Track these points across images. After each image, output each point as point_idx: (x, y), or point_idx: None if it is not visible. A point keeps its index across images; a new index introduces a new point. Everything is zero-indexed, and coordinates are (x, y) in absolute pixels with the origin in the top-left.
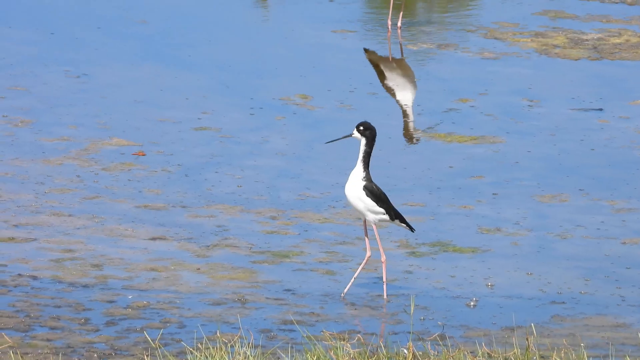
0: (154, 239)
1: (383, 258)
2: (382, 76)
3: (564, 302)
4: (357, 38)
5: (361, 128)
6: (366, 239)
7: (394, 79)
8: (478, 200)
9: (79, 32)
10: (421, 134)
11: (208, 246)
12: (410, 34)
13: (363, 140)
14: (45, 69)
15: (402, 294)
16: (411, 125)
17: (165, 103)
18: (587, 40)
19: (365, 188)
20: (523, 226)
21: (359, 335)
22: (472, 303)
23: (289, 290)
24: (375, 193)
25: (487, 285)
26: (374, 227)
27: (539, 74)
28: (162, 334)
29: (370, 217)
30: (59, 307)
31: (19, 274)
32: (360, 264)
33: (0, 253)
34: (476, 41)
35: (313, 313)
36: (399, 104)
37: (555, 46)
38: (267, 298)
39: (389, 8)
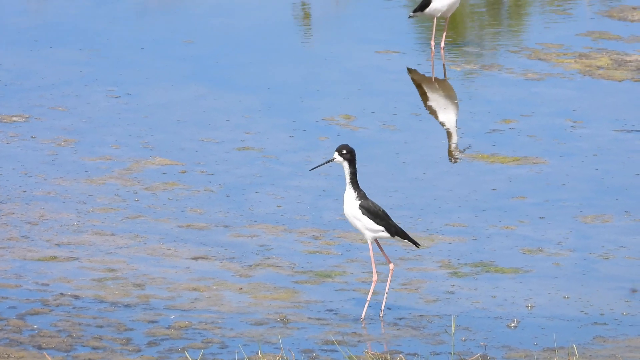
0: (196, 258)
1: (391, 266)
2: (425, 97)
3: (605, 323)
4: (401, 59)
5: (343, 152)
6: (372, 261)
7: (436, 100)
8: (520, 221)
9: (123, 52)
10: (464, 155)
11: (250, 266)
12: (453, 55)
13: (346, 164)
14: (89, 89)
15: (444, 314)
16: (454, 146)
17: (208, 123)
18: (630, 61)
19: (361, 207)
20: (565, 247)
21: (400, 355)
22: (513, 324)
23: (331, 310)
24: (371, 210)
25: (527, 307)
26: (370, 244)
27: (583, 95)
28: (204, 354)
29: (369, 235)
30: (101, 326)
31: (61, 294)
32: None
33: (42, 272)
34: (520, 62)
35: (355, 333)
36: (442, 125)
37: (599, 67)
38: (309, 318)
39: (433, 29)
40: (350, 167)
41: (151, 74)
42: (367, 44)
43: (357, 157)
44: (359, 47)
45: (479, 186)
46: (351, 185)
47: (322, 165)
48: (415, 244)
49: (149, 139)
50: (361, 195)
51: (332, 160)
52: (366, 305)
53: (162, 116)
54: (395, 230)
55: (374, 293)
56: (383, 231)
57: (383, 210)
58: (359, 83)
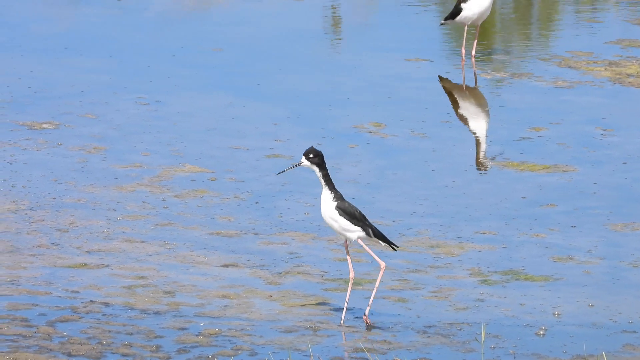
0: (226, 266)
1: (382, 265)
2: (455, 105)
3: (635, 331)
4: (431, 67)
5: (310, 156)
6: (348, 258)
7: (467, 108)
8: (550, 229)
9: (152, 60)
10: (494, 163)
11: (280, 273)
12: (484, 63)
13: (315, 167)
14: (118, 97)
15: (473, 322)
16: (483, 154)
17: (237, 131)
18: None
19: (338, 207)
20: (595, 255)
21: None
22: (541, 332)
23: (360, 317)
24: (348, 211)
25: (556, 315)
26: (361, 243)
27: (613, 103)
28: None
29: (349, 235)
30: (131, 334)
31: (91, 301)
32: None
33: (72, 279)
34: (550, 70)
35: (385, 341)
36: (472, 133)
37: (629, 75)
38: (338, 326)
39: (463, 37)
40: (320, 170)
41: (180, 81)
42: (396, 52)
43: (386, 164)
44: (389, 55)
45: (509, 194)
46: (327, 187)
47: (288, 169)
48: (393, 247)
49: (178, 147)
50: (338, 196)
51: (300, 164)
52: (373, 293)
53: (191, 124)
54: (372, 232)
55: (404, 300)
56: (360, 231)
57: (360, 212)
58: (389, 91)
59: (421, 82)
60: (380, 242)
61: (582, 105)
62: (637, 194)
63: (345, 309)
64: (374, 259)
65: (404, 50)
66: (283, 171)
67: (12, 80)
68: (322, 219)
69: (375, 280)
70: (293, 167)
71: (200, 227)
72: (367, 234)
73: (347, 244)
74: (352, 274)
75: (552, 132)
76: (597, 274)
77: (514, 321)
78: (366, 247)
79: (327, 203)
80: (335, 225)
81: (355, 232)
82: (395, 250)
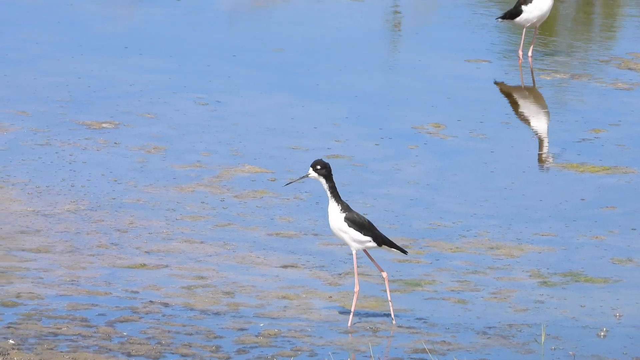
0: (285, 266)
1: (384, 274)
2: (514, 106)
3: None
4: (491, 67)
5: (318, 167)
6: (355, 273)
7: (526, 109)
8: (610, 231)
9: (212, 60)
10: (553, 164)
11: (340, 274)
12: (543, 64)
13: (322, 179)
14: (177, 96)
15: (533, 323)
16: (543, 155)
17: (296, 131)
18: None
19: (347, 219)
20: None
21: None
22: (602, 333)
23: (420, 318)
24: (357, 222)
25: (616, 316)
26: (354, 254)
27: None
28: None
29: (356, 246)
30: (191, 334)
31: (151, 301)
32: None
33: (132, 280)
34: (610, 72)
35: (444, 342)
36: (532, 134)
37: None
38: (398, 327)
39: (522, 38)
40: (327, 181)
41: (240, 81)
42: (456, 53)
43: (445, 165)
44: (448, 56)
45: (569, 196)
46: (333, 199)
47: (296, 181)
48: (403, 251)
49: (238, 147)
50: (345, 207)
51: (307, 176)
52: (390, 305)
53: (251, 124)
54: (382, 240)
55: (463, 302)
56: (370, 241)
57: (368, 221)
58: (448, 91)
59: (480, 83)
60: (392, 249)
61: None
62: None
63: (352, 315)
64: (378, 268)
65: (463, 50)
66: (291, 182)
67: (71, 80)
68: (331, 230)
69: (435, 280)
70: (301, 178)
71: (259, 227)
72: (377, 243)
73: (355, 258)
74: (357, 288)
75: (611, 133)
76: None
77: (573, 323)
78: (370, 257)
79: (335, 215)
80: (346, 237)
81: (365, 242)
82: (406, 254)
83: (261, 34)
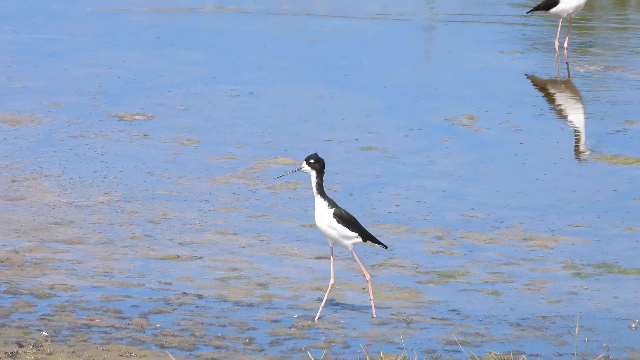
0: (319, 258)
1: (368, 277)
2: (549, 97)
3: None
4: (525, 59)
5: (311, 161)
6: (332, 266)
7: (560, 100)
8: None
9: (244, 51)
10: (588, 156)
11: (373, 266)
12: (577, 56)
13: (313, 173)
14: (209, 88)
15: (566, 315)
16: (580, 147)
17: (329, 123)
18: None
19: (335, 215)
20: None
21: (523, 356)
22: (635, 325)
23: (453, 310)
24: (345, 218)
25: None
26: (353, 253)
27: None
28: (326, 354)
29: (345, 242)
30: (224, 326)
31: (184, 293)
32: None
33: (165, 271)
34: None
35: (478, 333)
36: (567, 125)
37: None
38: (432, 318)
39: (557, 29)
40: (317, 176)
41: (272, 73)
42: (490, 45)
43: (478, 157)
44: (483, 48)
45: (602, 187)
46: (319, 195)
47: (289, 174)
48: (384, 246)
49: (271, 139)
50: (331, 203)
51: (300, 169)
52: (372, 305)
53: (283, 115)
54: (366, 235)
55: (497, 293)
56: (357, 237)
57: (353, 217)
58: (482, 83)
59: (515, 75)
60: (375, 244)
61: None
62: None
63: (320, 309)
64: (362, 270)
65: (498, 42)
66: (282, 175)
67: (103, 71)
68: (318, 227)
69: (468, 272)
70: (293, 171)
71: (293, 219)
72: (363, 238)
73: (333, 252)
74: (332, 281)
75: None
76: None
77: (607, 314)
78: (356, 257)
79: (323, 211)
80: (334, 233)
81: (352, 238)
82: (386, 249)
83: (294, 26)
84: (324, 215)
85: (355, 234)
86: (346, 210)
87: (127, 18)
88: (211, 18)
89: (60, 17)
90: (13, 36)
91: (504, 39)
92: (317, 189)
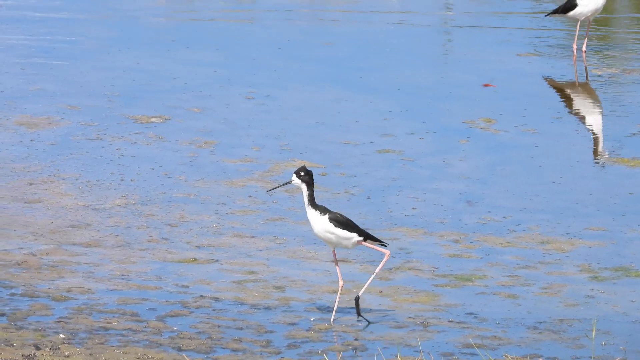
0: None
1: (341, 284)
2: (567, 100)
3: None
4: (543, 62)
5: (301, 174)
6: (337, 269)
7: (578, 103)
8: None
9: (259, 53)
10: (605, 159)
11: (390, 269)
12: (595, 59)
13: (304, 186)
14: (225, 91)
15: (584, 318)
16: (598, 150)
17: (346, 125)
18: None
19: (332, 219)
20: None
21: (540, 359)
22: None
23: (471, 313)
24: (341, 221)
25: None
26: (333, 252)
27: None
28: (343, 356)
29: (345, 243)
30: (241, 329)
31: (201, 295)
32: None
33: (182, 274)
34: None
35: (495, 337)
36: (585, 128)
37: None
38: (449, 321)
39: (576, 32)
40: (308, 189)
41: (288, 75)
42: (508, 47)
43: (496, 160)
44: (500, 50)
45: (618, 190)
46: (310, 206)
47: (278, 187)
48: (384, 244)
49: (287, 141)
50: (323, 210)
51: (290, 182)
52: (371, 277)
53: (299, 118)
54: (365, 234)
55: (514, 297)
56: (357, 237)
57: (349, 218)
58: (500, 86)
59: (532, 78)
60: (374, 242)
61: None
62: None
63: (334, 312)
64: (378, 250)
65: (515, 45)
66: (273, 189)
67: (119, 74)
68: (316, 235)
69: (485, 275)
70: (284, 184)
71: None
72: (363, 237)
73: (335, 254)
74: (341, 283)
75: None
76: None
77: (624, 318)
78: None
79: (317, 219)
80: (333, 238)
81: (352, 238)
82: (386, 246)
83: (312, 28)
84: (320, 223)
85: (354, 234)
86: (338, 212)
87: (142, 21)
88: (226, 21)
89: (75, 19)
90: (27, 39)
91: (520, 41)
92: (309, 200)
